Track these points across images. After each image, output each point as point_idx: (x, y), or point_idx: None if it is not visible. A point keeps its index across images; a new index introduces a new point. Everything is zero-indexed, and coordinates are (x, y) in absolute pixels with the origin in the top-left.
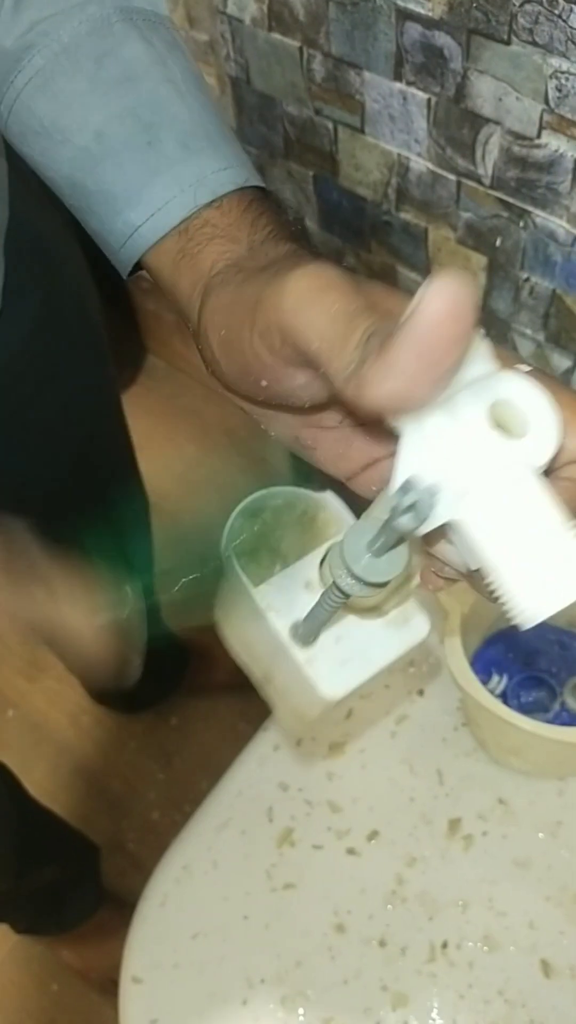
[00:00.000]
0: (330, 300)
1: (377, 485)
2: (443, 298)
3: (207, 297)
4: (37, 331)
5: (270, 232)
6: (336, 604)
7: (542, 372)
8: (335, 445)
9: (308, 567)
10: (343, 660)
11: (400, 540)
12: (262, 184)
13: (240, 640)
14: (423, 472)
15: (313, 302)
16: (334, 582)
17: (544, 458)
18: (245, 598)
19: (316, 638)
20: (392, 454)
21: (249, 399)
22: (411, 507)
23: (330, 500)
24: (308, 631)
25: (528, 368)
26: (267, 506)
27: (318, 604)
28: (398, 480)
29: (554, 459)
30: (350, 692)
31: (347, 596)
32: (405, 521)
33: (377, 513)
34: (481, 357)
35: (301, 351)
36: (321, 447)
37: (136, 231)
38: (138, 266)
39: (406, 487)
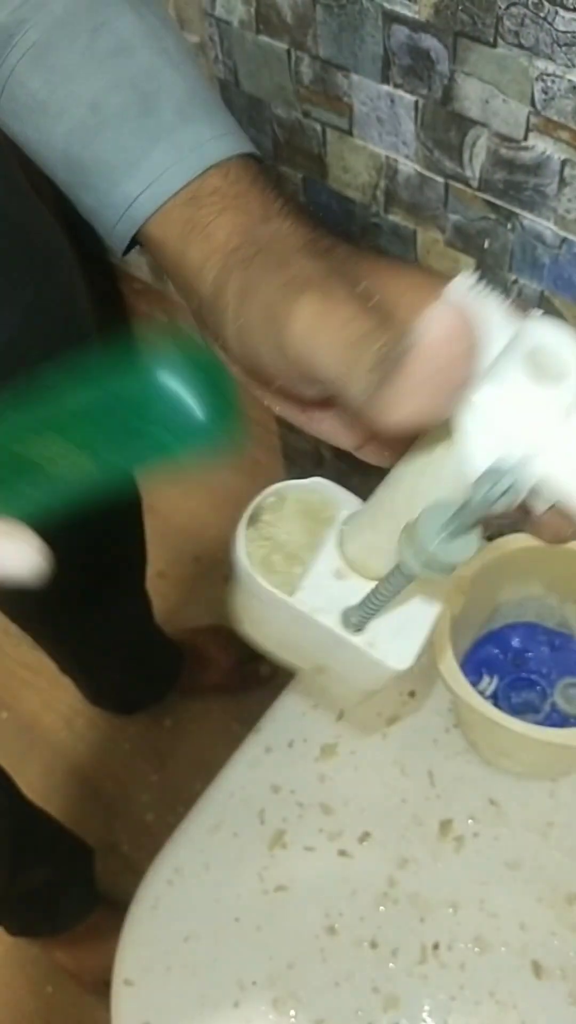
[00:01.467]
0: (337, 327)
1: (389, 450)
2: (445, 320)
3: (227, 277)
4: (27, 326)
5: (281, 207)
6: (400, 587)
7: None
8: (341, 420)
9: (329, 557)
10: (397, 630)
11: (481, 520)
12: (259, 154)
13: (283, 644)
14: (498, 450)
15: (321, 331)
16: (399, 567)
17: None
18: (281, 609)
19: (372, 620)
20: None
21: (256, 384)
22: (507, 489)
23: (320, 484)
24: (364, 617)
25: (540, 312)
26: (263, 507)
27: (378, 590)
28: (478, 467)
29: None
30: (417, 657)
31: (411, 580)
32: (503, 503)
33: (445, 495)
34: (500, 318)
35: (316, 379)
36: (327, 422)
37: (136, 200)
38: (134, 242)
39: (494, 474)
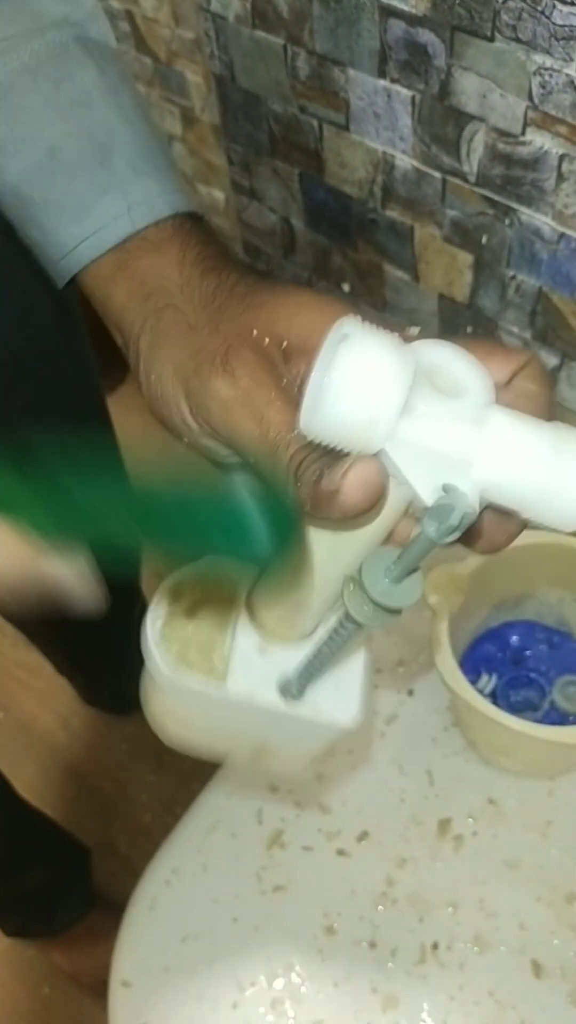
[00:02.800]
0: (253, 420)
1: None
2: (362, 472)
3: (141, 328)
4: (16, 324)
5: (197, 254)
6: (345, 641)
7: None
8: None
9: (247, 635)
10: (334, 687)
11: (425, 554)
12: (198, 212)
13: (216, 737)
14: (439, 477)
15: (238, 420)
16: (345, 617)
17: (491, 392)
18: (214, 702)
19: (312, 683)
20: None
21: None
22: (461, 519)
23: (211, 563)
24: (304, 682)
25: (417, 329)
26: (162, 607)
27: (321, 651)
28: (428, 500)
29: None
30: (363, 708)
31: (359, 627)
32: (456, 533)
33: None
34: (395, 349)
35: (235, 452)
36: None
37: (81, 244)
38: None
39: (442, 509)
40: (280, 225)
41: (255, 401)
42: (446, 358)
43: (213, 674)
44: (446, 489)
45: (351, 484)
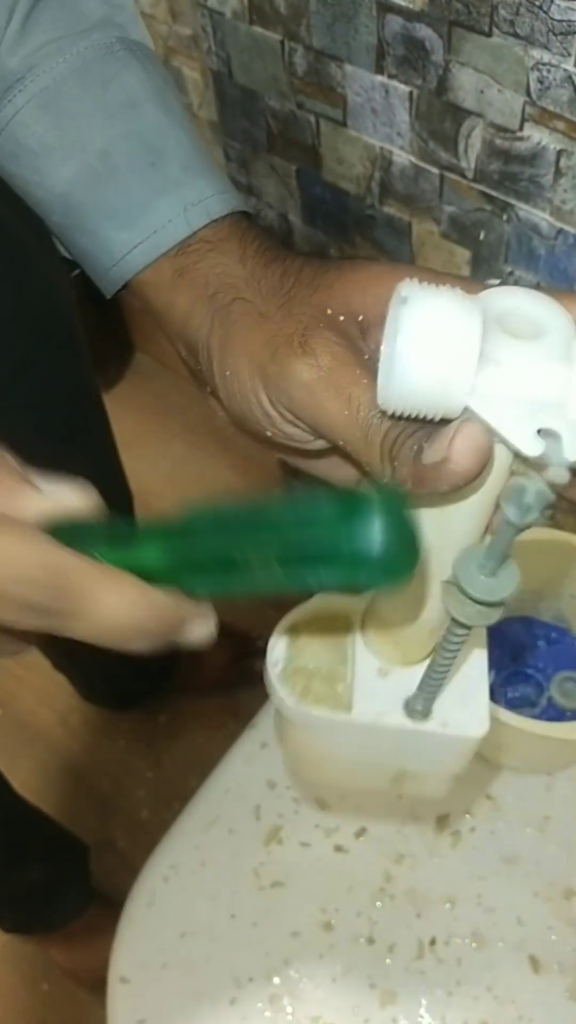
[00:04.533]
0: (340, 400)
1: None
2: (469, 437)
3: (210, 326)
4: (8, 324)
5: (257, 248)
6: (458, 648)
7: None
8: (337, 459)
9: (365, 660)
10: (460, 698)
11: (512, 538)
12: (251, 211)
13: (352, 771)
14: (535, 422)
15: (323, 401)
16: (452, 624)
17: (573, 327)
18: (344, 732)
19: (436, 698)
20: None
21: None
22: (538, 493)
23: (322, 600)
24: (428, 699)
25: (497, 280)
26: (278, 646)
27: (436, 663)
28: (531, 449)
29: None
30: (490, 715)
31: (469, 629)
32: (561, 475)
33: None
34: (462, 301)
35: (322, 437)
36: (323, 464)
37: (135, 248)
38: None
39: (517, 489)
40: (278, 221)
41: (339, 380)
42: (518, 301)
43: (339, 704)
44: (543, 434)
45: (460, 450)
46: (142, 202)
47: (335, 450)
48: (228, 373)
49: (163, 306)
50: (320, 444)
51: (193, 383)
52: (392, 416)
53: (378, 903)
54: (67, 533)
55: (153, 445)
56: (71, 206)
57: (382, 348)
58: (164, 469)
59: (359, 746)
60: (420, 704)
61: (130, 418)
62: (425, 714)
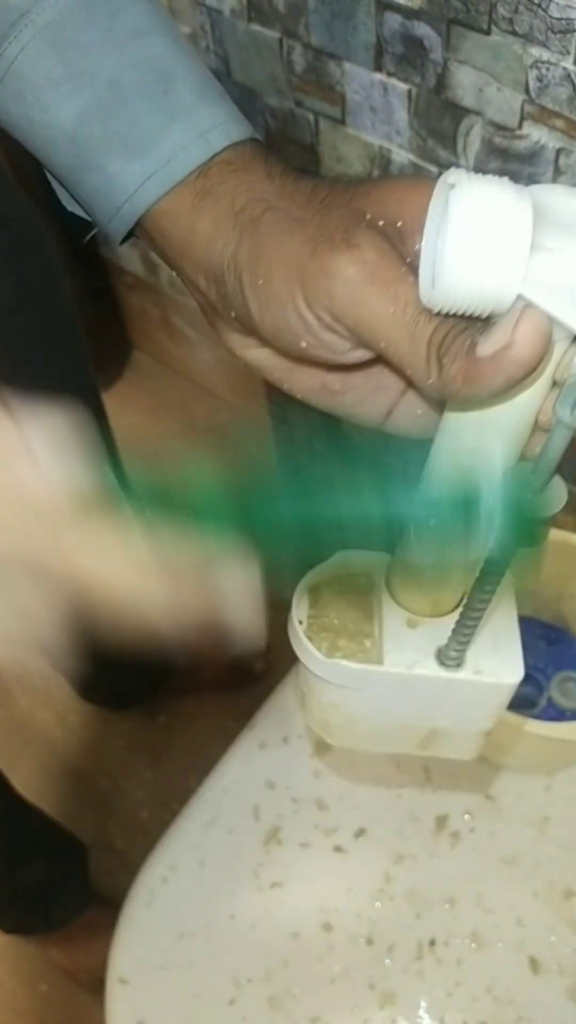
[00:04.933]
0: (385, 297)
1: (421, 408)
2: (531, 328)
3: (242, 240)
4: (8, 316)
5: (283, 169)
6: (495, 586)
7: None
8: (368, 380)
9: (393, 613)
10: (493, 647)
11: (566, 444)
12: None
13: (384, 730)
14: None
15: (367, 298)
16: (487, 563)
17: None
18: (377, 684)
19: (469, 646)
20: None
21: (279, 351)
22: None
23: (343, 558)
24: (461, 646)
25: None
26: (301, 606)
27: (471, 606)
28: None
29: None
30: (523, 660)
31: (507, 566)
32: None
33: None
34: (509, 190)
35: (362, 342)
36: (352, 388)
37: (149, 179)
38: (129, 235)
39: (571, 389)
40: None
41: (385, 276)
42: (558, 197)
43: (368, 659)
44: None
45: (525, 333)
46: (155, 130)
47: (372, 363)
48: (261, 282)
49: (182, 234)
50: (357, 355)
51: (209, 318)
52: (438, 315)
53: (377, 904)
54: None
55: (153, 444)
56: (80, 142)
57: (422, 245)
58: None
59: (390, 701)
60: (453, 652)
61: (129, 416)
62: (459, 663)
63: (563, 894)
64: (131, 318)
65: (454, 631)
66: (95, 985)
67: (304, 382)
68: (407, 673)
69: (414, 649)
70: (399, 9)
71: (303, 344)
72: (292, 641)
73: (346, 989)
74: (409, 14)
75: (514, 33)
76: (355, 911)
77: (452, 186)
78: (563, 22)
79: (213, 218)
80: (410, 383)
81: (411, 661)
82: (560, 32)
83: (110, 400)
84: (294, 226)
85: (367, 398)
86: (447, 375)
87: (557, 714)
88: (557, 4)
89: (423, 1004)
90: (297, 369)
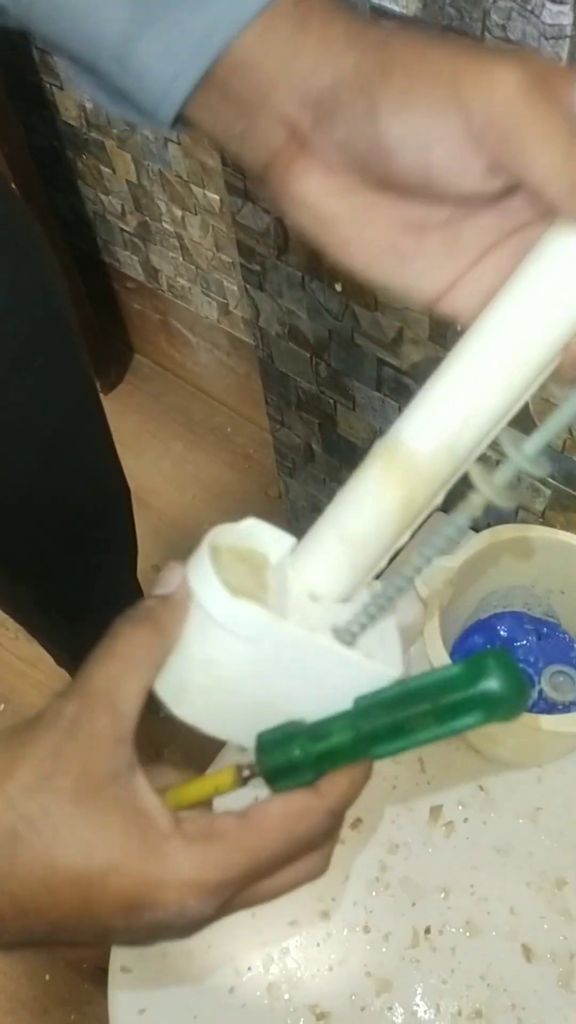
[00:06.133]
0: (548, 103)
1: (491, 277)
2: None
3: (364, 55)
4: (2, 320)
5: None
6: (451, 539)
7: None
8: (440, 245)
9: (295, 583)
10: (379, 639)
11: None
12: None
13: (246, 698)
14: None
15: (537, 103)
16: (465, 506)
17: None
18: (265, 638)
19: (364, 632)
20: (517, 225)
21: (380, 181)
22: None
23: (252, 527)
24: (360, 627)
25: None
26: (216, 551)
27: (386, 589)
28: None
29: None
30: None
31: (459, 537)
32: None
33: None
34: None
35: (505, 156)
36: (423, 253)
37: (232, 9)
38: (176, 119)
39: None
40: (273, 225)
41: (553, 82)
42: None
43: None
44: None
45: None
46: None
47: (469, 209)
48: (395, 92)
49: (277, 63)
50: (480, 182)
51: (271, 172)
52: None
53: (373, 892)
54: (274, 737)
55: (153, 445)
56: (139, 5)
57: None
58: (163, 469)
59: (273, 668)
60: (354, 629)
61: (130, 419)
62: (351, 644)
63: (555, 883)
64: (131, 322)
65: (359, 611)
66: (98, 975)
67: (373, 241)
68: (307, 636)
69: (314, 620)
70: (393, 16)
71: (430, 159)
72: (192, 578)
73: (343, 976)
74: (404, 21)
75: (507, 40)
76: (351, 900)
77: None
78: (556, 28)
79: (322, 39)
80: (537, 213)
81: (311, 627)
82: (553, 38)
83: (110, 404)
84: (434, 43)
85: (436, 265)
86: None
87: (548, 707)
88: (550, 11)
89: (419, 991)
90: (371, 223)
